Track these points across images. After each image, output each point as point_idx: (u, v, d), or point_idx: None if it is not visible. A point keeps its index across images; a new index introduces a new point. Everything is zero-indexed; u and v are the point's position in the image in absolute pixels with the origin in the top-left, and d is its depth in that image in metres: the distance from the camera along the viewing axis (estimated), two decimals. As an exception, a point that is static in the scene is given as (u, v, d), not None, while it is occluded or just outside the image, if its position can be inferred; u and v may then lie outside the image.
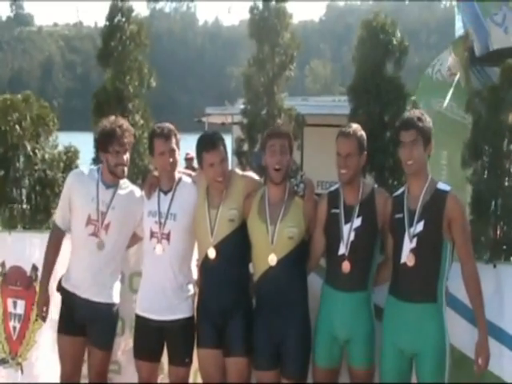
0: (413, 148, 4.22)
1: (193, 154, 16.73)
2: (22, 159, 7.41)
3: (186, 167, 16.17)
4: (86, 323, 4.81)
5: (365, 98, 7.42)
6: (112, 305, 4.87)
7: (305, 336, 4.55)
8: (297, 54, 9.07)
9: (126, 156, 4.85)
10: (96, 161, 8.32)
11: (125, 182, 4.96)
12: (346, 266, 4.42)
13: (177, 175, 4.86)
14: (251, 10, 9.24)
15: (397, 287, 4.32)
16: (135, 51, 7.76)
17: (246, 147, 9.12)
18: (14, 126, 7.24)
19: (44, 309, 4.94)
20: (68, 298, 4.88)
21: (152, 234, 4.77)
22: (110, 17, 8.21)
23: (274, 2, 9.16)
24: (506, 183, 5.73)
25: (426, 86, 8.02)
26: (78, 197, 4.86)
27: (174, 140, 4.79)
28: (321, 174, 10.65)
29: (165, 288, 4.71)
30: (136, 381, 4.93)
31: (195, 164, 17.78)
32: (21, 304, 5.61)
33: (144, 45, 7.80)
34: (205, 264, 4.68)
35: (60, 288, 4.94)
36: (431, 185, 4.28)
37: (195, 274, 4.83)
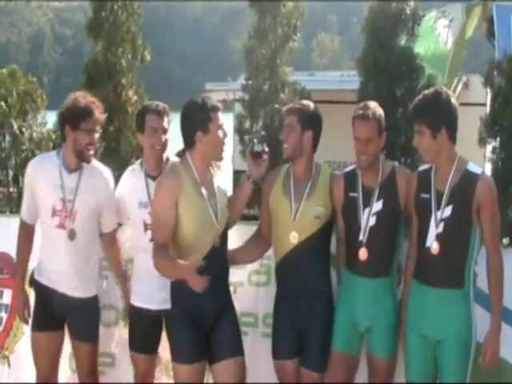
0: None
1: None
2: (7, 138, 7.38)
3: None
4: (66, 317, 4.78)
5: (374, 72, 7.33)
6: (91, 298, 4.83)
7: (329, 324, 4.52)
8: (301, 23, 8.98)
9: (97, 135, 4.75)
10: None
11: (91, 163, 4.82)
12: (362, 254, 4.38)
13: (164, 156, 4.81)
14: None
15: (421, 271, 4.27)
16: (128, 21, 7.69)
17: (247, 124, 9.05)
18: (-2, 102, 7.22)
19: (25, 311, 4.89)
20: (43, 291, 4.82)
21: (146, 226, 4.73)
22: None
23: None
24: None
25: (436, 54, 8.02)
26: (40, 187, 4.74)
27: (166, 119, 4.76)
28: (329, 154, 10.60)
29: (163, 278, 4.67)
30: (131, 373, 4.92)
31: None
32: (7, 293, 5.58)
33: (137, 14, 7.72)
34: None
35: (33, 282, 4.87)
36: (460, 165, 4.21)
37: None
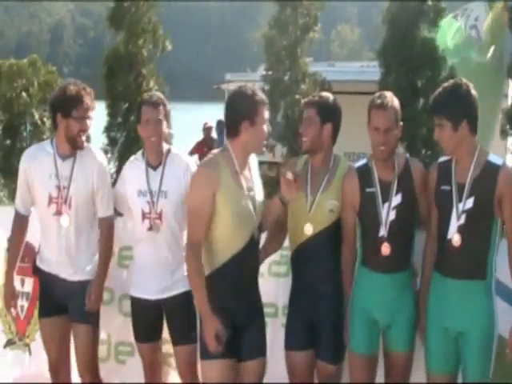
0: None
1: (211, 123, 16.68)
2: (28, 128, 7.40)
3: (204, 137, 16.09)
4: (67, 302, 4.81)
5: (395, 63, 7.30)
6: (90, 281, 4.84)
7: (341, 317, 4.50)
8: (321, 14, 8.96)
9: (90, 122, 4.76)
10: (108, 129, 8.33)
11: (84, 148, 4.81)
12: (385, 249, 4.32)
13: (165, 147, 4.80)
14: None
15: (442, 263, 4.24)
16: (149, 13, 7.70)
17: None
18: (20, 92, 7.24)
19: (12, 303, 4.95)
20: (45, 278, 4.89)
21: (144, 215, 4.72)
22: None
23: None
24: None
25: (462, 41, 7.94)
26: (35, 177, 4.77)
27: (162, 110, 4.71)
28: (349, 145, 10.57)
29: (162, 268, 4.70)
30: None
31: (214, 134, 17.71)
32: (29, 282, 5.60)
33: (158, 5, 7.75)
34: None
35: (36, 269, 4.94)
36: (481, 156, 4.18)
37: None
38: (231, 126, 4.20)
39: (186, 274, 4.55)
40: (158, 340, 4.87)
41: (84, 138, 4.74)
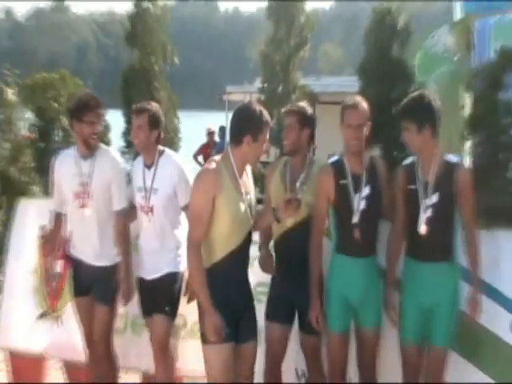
0: None
1: (214, 128, 16.68)
2: (59, 133, 7.47)
3: (208, 141, 16.09)
4: (92, 284, 4.92)
5: (373, 78, 7.33)
6: (113, 266, 4.91)
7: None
8: (310, 36, 9.01)
9: (99, 126, 4.87)
10: (126, 134, 8.32)
11: (101, 149, 4.92)
12: (357, 235, 4.34)
13: (159, 148, 4.82)
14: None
15: (415, 250, 4.31)
16: (160, 34, 7.80)
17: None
18: (51, 102, 7.30)
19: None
20: (75, 263, 5.04)
21: (141, 208, 4.82)
22: (138, 2, 8.31)
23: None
24: (501, 156, 5.73)
25: (423, 63, 7.97)
26: (62, 177, 4.92)
27: (145, 117, 4.72)
28: (332, 148, 10.59)
29: (154, 253, 4.77)
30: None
31: (216, 138, 17.64)
32: (59, 264, 5.67)
33: (167, 26, 7.84)
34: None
35: (68, 256, 5.09)
36: (441, 156, 4.25)
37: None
38: (236, 135, 4.07)
39: (172, 257, 4.74)
40: None
41: (95, 140, 4.84)
